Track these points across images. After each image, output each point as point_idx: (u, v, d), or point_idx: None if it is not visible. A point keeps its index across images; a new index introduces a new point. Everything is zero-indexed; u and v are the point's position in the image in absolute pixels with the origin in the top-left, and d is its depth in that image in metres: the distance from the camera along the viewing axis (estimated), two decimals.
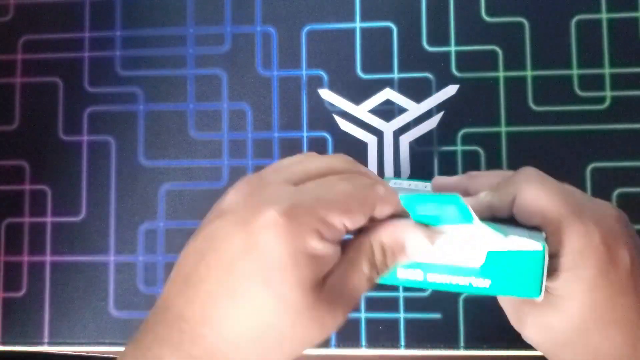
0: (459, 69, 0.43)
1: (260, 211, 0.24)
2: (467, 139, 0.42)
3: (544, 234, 0.28)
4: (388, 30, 0.44)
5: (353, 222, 0.25)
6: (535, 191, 0.28)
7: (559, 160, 0.41)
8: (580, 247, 0.27)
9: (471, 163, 0.42)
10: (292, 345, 0.24)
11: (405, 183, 0.36)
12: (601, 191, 0.40)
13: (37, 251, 0.44)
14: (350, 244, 0.26)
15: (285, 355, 0.25)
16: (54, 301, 0.44)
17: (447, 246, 0.27)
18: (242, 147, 0.44)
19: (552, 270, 0.27)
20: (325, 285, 0.24)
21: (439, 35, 0.43)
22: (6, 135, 0.45)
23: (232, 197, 0.26)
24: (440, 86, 0.43)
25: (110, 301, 0.43)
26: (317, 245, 0.24)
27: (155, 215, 0.44)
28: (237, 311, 0.23)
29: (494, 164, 0.42)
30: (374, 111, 0.43)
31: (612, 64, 0.42)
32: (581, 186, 0.41)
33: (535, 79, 0.42)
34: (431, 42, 0.43)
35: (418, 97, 0.43)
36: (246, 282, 0.23)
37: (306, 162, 0.28)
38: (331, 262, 0.25)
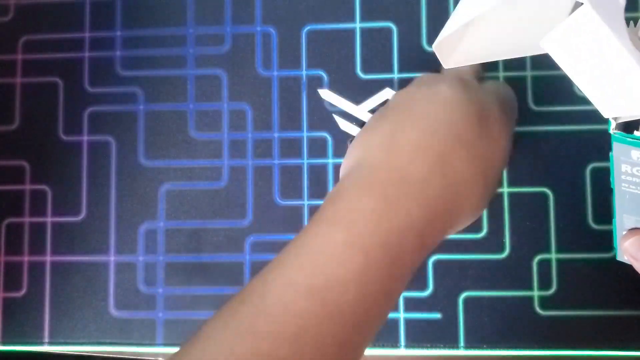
0: None
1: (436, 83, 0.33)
2: None
3: None
4: (388, 30, 0.44)
5: None
6: None
7: (559, 160, 0.41)
8: None
9: None
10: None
11: None
12: (601, 191, 0.40)
13: (37, 251, 0.44)
14: None
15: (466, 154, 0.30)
16: (54, 301, 0.44)
17: None
18: (242, 147, 0.44)
19: None
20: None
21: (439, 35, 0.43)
22: (6, 135, 0.45)
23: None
24: None
25: (110, 301, 0.43)
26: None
27: (155, 215, 0.44)
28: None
29: None
30: (374, 111, 0.43)
31: None
32: (581, 186, 0.41)
33: (535, 79, 0.42)
34: (431, 42, 0.43)
35: None
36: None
37: None
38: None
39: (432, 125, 0.30)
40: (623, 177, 0.32)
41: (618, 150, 0.30)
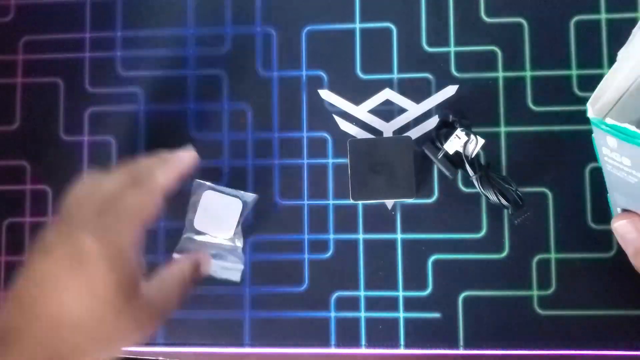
0: (458, 69, 0.43)
1: (77, 242, 0.30)
2: None
3: None
4: (388, 31, 0.44)
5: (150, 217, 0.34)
6: None
7: (559, 160, 0.42)
8: None
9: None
10: (111, 336, 0.30)
11: None
12: (600, 191, 0.40)
13: None
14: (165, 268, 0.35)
15: (102, 344, 0.30)
16: None
17: None
18: (242, 147, 0.44)
19: None
20: (139, 292, 0.32)
21: (438, 36, 0.43)
22: (7, 135, 0.46)
23: (48, 234, 0.32)
24: (440, 86, 0.43)
25: None
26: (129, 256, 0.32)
27: None
28: (61, 300, 0.30)
29: (494, 164, 0.42)
30: (374, 111, 0.43)
31: (612, 64, 0.42)
32: (580, 186, 0.41)
33: (534, 79, 0.42)
34: (431, 43, 0.43)
35: (418, 97, 0.43)
36: (71, 287, 0.30)
37: (98, 189, 0.33)
38: (139, 270, 0.32)
39: None
40: (606, 159, 0.33)
41: (597, 134, 0.32)
